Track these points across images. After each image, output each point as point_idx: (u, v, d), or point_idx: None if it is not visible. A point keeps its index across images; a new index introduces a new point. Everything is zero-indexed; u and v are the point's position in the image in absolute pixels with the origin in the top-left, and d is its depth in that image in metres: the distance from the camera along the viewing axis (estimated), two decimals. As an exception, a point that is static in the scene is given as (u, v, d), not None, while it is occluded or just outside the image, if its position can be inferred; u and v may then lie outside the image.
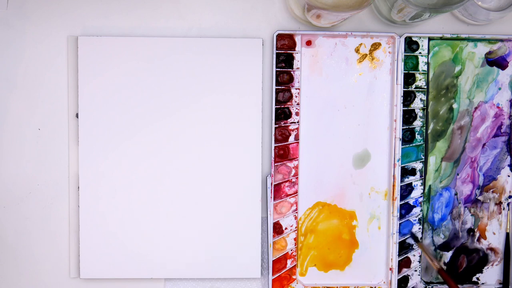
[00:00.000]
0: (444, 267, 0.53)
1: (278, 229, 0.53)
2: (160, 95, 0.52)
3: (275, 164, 0.52)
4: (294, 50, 0.52)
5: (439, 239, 0.54)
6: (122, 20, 0.53)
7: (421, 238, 0.54)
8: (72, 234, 0.53)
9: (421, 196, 0.54)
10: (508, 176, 0.54)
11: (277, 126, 0.52)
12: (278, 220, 0.53)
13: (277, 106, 0.52)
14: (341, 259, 0.54)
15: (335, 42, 0.53)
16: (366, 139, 0.53)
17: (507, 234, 0.54)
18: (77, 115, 0.52)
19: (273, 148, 0.52)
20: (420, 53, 0.53)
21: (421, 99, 0.53)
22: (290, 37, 0.52)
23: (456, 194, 0.54)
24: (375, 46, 0.53)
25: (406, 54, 0.52)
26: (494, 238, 0.55)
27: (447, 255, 0.55)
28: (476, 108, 0.54)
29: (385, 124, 0.53)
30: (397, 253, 0.53)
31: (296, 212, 0.53)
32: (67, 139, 0.53)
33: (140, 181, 0.52)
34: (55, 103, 0.53)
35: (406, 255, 0.54)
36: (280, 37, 0.52)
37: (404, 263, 0.54)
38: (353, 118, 0.53)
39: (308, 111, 0.53)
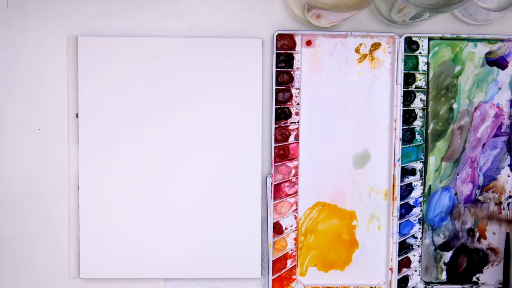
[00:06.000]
0: None
1: (278, 229, 0.53)
2: (160, 95, 0.52)
3: (275, 164, 0.52)
4: (294, 50, 0.52)
5: (439, 239, 0.54)
6: (122, 20, 0.53)
7: (421, 237, 0.54)
8: (72, 234, 0.53)
9: (421, 196, 0.54)
10: (508, 176, 0.54)
11: (277, 126, 0.52)
12: (278, 220, 0.53)
13: (277, 106, 0.52)
14: (341, 259, 0.54)
15: (335, 42, 0.53)
16: (366, 139, 0.53)
17: (507, 234, 0.54)
18: (77, 115, 0.52)
19: (273, 148, 0.52)
20: (420, 53, 0.53)
21: (421, 99, 0.53)
22: (290, 37, 0.52)
23: (456, 194, 0.54)
24: (375, 46, 0.53)
25: (406, 54, 0.52)
26: (494, 238, 0.55)
27: (447, 255, 0.55)
28: (476, 108, 0.54)
29: (385, 124, 0.53)
30: (397, 253, 0.53)
31: (296, 212, 0.53)
32: (67, 139, 0.53)
33: (140, 181, 0.52)
34: (55, 103, 0.53)
35: (406, 255, 0.54)
36: (280, 37, 0.52)
37: (404, 263, 0.54)
38: (353, 118, 0.53)
39: (308, 111, 0.53)
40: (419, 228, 0.54)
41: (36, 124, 0.53)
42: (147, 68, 0.52)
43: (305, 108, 0.53)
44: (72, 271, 0.53)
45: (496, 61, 0.54)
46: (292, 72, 0.52)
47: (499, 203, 0.54)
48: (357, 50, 0.53)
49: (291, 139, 0.53)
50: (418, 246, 0.54)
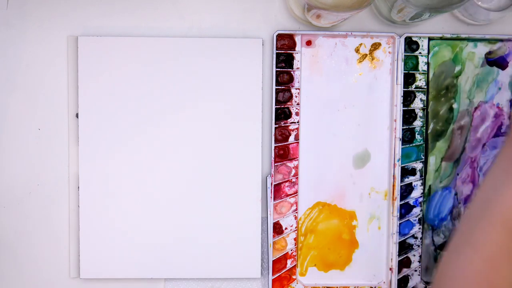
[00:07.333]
0: None
1: (278, 229, 0.53)
2: (159, 95, 0.52)
3: (275, 164, 0.52)
4: (294, 50, 0.52)
5: (439, 239, 0.54)
6: (122, 20, 0.53)
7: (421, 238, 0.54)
8: (72, 234, 0.53)
9: (421, 196, 0.54)
10: (508, 176, 0.54)
11: (277, 126, 0.52)
12: (278, 220, 0.53)
13: (277, 106, 0.52)
14: (341, 259, 0.54)
15: (335, 42, 0.53)
16: (366, 139, 0.53)
17: (507, 234, 0.54)
18: (77, 115, 0.52)
19: (273, 148, 0.52)
20: (420, 53, 0.53)
21: (421, 99, 0.53)
22: (290, 37, 0.52)
23: (456, 194, 0.54)
24: (375, 46, 0.53)
25: (406, 54, 0.52)
26: (494, 238, 0.55)
27: (447, 255, 0.54)
28: (476, 108, 0.54)
29: (385, 124, 0.53)
30: (397, 253, 0.53)
31: (296, 212, 0.53)
32: (67, 139, 0.53)
33: (140, 181, 0.52)
34: (55, 103, 0.53)
35: (406, 255, 0.54)
36: (280, 37, 0.52)
37: (404, 263, 0.54)
38: (353, 118, 0.53)
39: (308, 111, 0.53)
40: (419, 228, 0.54)
41: (36, 124, 0.53)
42: (147, 68, 0.52)
43: (305, 108, 0.53)
44: (72, 271, 0.53)
45: (496, 61, 0.54)
46: (292, 72, 0.52)
47: (499, 203, 0.54)
48: (357, 50, 0.53)
49: (291, 139, 0.53)
50: (418, 246, 0.54)
